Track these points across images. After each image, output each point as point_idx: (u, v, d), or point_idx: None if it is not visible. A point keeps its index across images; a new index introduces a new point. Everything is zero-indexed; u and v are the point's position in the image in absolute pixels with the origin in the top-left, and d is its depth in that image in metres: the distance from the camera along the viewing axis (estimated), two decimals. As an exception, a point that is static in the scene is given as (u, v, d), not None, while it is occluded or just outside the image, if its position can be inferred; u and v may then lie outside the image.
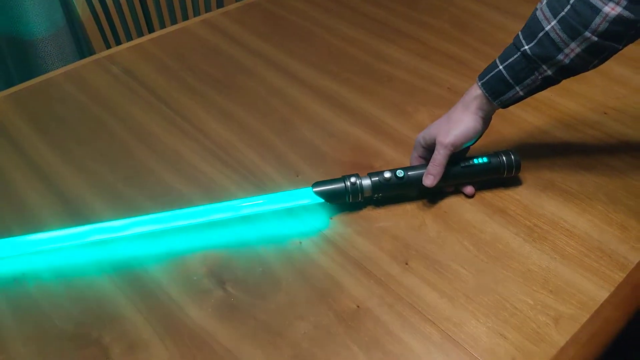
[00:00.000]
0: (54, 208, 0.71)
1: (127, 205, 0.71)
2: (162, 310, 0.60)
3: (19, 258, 0.65)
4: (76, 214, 0.70)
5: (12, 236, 0.65)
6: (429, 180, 0.68)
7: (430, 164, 0.68)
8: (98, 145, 0.80)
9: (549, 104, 0.85)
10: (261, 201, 0.68)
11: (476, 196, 0.71)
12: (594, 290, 0.61)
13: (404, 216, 0.69)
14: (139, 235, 0.66)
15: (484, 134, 0.70)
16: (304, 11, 1.09)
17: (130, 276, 0.63)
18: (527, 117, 0.83)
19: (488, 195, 0.71)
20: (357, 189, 0.68)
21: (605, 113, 0.83)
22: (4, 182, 0.74)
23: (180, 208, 0.67)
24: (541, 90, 0.65)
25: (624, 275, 0.62)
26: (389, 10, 1.09)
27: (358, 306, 0.60)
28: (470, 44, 0.99)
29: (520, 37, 0.63)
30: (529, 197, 0.71)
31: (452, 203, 0.71)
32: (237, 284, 0.62)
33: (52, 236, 0.65)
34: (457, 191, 0.72)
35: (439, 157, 0.67)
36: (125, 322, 0.59)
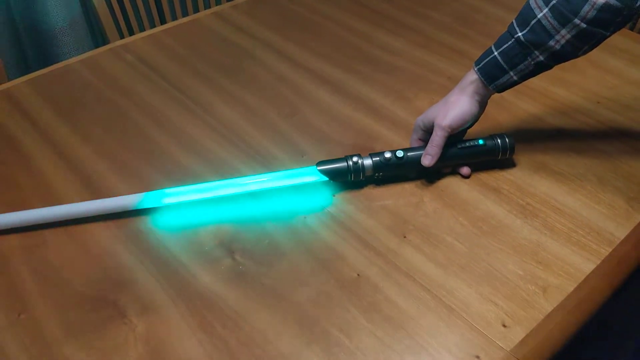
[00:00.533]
0: (72, 183, 0.75)
1: (140, 180, 0.75)
2: (175, 276, 0.64)
3: (40, 228, 0.69)
4: (94, 189, 0.74)
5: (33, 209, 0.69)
6: (427, 160, 0.72)
7: (428, 144, 0.72)
8: (113, 125, 0.84)
9: (544, 93, 0.89)
10: (268, 178, 0.72)
11: (472, 176, 0.75)
12: (582, 263, 0.64)
13: (403, 194, 0.73)
14: (154, 208, 0.71)
15: (481, 119, 0.74)
16: (311, 4, 1.13)
17: (146, 245, 0.67)
18: (522, 105, 0.87)
19: (483, 175, 0.75)
20: (358, 168, 0.72)
21: (598, 102, 0.87)
22: (25, 159, 0.79)
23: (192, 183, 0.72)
24: (534, 76, 0.69)
25: (611, 250, 0.65)
26: (393, 4, 1.13)
27: (358, 275, 0.64)
28: (471, 36, 1.02)
29: (514, 24, 0.67)
30: (522, 177, 0.75)
31: (449, 183, 0.74)
32: (245, 254, 0.66)
33: (72, 208, 0.69)
34: (454, 172, 0.75)
35: (437, 139, 0.71)
36: (140, 286, 0.63)
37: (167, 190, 0.70)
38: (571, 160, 0.77)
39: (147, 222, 0.70)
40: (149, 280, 0.63)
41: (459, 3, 1.12)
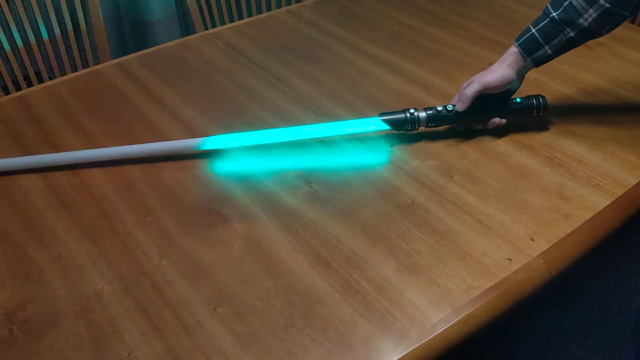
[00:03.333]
0: (176, 129, 0.93)
1: (232, 131, 0.92)
2: (265, 197, 0.80)
3: (157, 161, 0.87)
4: (194, 134, 0.91)
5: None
6: (459, 106, 0.86)
7: (462, 94, 0.87)
8: (207, 92, 1.02)
9: (574, 77, 1.03)
10: (339, 125, 0.88)
11: (508, 136, 0.89)
12: (598, 200, 0.78)
13: (450, 147, 0.88)
14: (247, 147, 0.88)
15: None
16: (370, 5, 1.31)
17: (242, 175, 0.84)
18: (555, 86, 1.01)
19: (518, 135, 0.89)
20: (415, 119, 0.87)
21: (619, 85, 1.01)
22: (140, 113, 0.97)
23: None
24: (566, 51, 0.83)
25: (623, 191, 0.79)
26: (439, 5, 1.30)
27: (412, 201, 0.78)
28: (508, 31, 1.17)
29: (549, 6, 0.82)
30: (551, 138, 0.89)
31: (489, 140, 0.89)
32: (319, 184, 0.82)
33: (185, 144, 0.87)
34: (494, 131, 0.90)
35: (471, 89, 0.85)
36: (238, 202, 0.79)
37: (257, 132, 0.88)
38: (594, 127, 0.91)
39: (244, 160, 0.87)
40: (245, 199, 0.80)
41: (498, 5, 1.28)
